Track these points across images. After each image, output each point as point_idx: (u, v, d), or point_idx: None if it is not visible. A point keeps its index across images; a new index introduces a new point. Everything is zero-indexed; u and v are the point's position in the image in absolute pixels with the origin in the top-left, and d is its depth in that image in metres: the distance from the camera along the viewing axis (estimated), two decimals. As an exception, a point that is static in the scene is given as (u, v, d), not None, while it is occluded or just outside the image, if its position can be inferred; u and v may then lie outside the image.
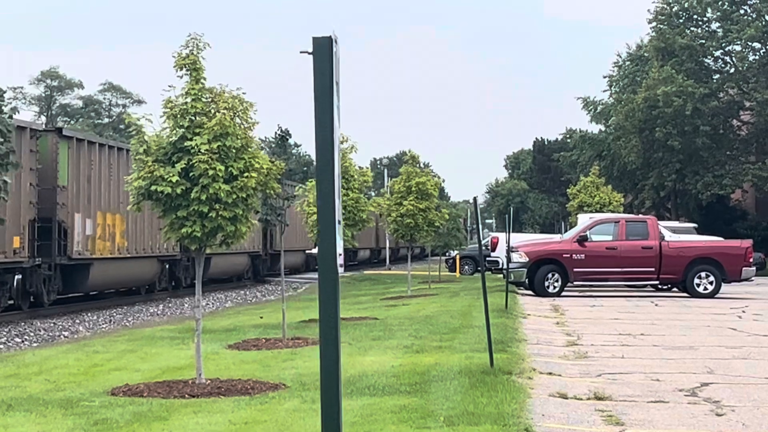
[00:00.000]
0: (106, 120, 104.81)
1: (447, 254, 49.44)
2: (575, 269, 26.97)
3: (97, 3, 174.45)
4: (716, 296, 26.67)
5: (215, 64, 11.23)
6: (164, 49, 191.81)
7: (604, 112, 64.74)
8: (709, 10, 54.74)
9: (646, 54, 61.50)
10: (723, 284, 27.25)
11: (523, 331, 16.73)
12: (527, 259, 27.15)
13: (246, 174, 10.87)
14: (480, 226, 13.67)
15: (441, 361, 12.36)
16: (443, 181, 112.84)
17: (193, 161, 10.64)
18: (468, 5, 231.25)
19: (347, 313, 20.92)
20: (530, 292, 27.41)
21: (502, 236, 39.90)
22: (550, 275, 26.99)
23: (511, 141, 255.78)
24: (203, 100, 10.91)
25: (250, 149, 11.03)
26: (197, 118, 10.82)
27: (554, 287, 26.90)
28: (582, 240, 27.29)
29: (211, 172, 10.61)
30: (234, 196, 10.79)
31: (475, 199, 13.76)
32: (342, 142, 19.07)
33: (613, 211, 38.90)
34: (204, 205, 10.69)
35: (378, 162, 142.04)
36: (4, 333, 22.80)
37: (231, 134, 10.78)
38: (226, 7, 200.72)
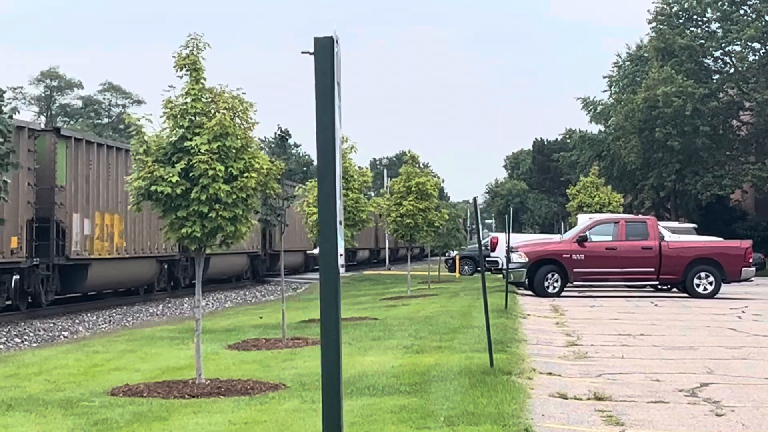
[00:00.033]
0: (106, 120, 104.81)
1: (446, 254, 49.43)
2: (575, 269, 26.97)
3: (97, 3, 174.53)
4: (716, 296, 26.67)
5: (215, 64, 11.25)
6: (164, 49, 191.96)
7: (604, 112, 64.73)
8: (709, 10, 54.74)
9: (645, 54, 61.49)
10: (723, 284, 27.25)
11: (522, 331, 16.73)
12: (527, 260, 27.15)
13: (246, 174, 10.87)
14: (480, 227, 13.67)
15: (441, 362, 12.36)
16: (443, 181, 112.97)
17: (193, 161, 10.64)
18: (468, 5, 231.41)
19: (347, 314, 20.92)
20: (530, 293, 27.41)
21: (501, 236, 39.90)
22: (549, 275, 26.99)
23: (510, 141, 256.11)
24: (203, 100, 10.91)
25: (250, 149, 11.03)
26: (197, 118, 10.82)
27: (554, 287, 26.90)
28: (582, 240, 27.29)
29: (211, 173, 10.61)
30: (234, 197, 10.79)
31: (475, 199, 13.76)
32: (342, 143, 19.07)
33: (612, 212, 38.92)
34: (204, 205, 10.69)
35: (378, 162, 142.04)
36: (4, 333, 22.80)
37: (231, 134, 10.78)
38: (226, 7, 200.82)
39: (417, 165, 30.55)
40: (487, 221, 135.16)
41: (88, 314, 28.31)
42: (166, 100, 10.95)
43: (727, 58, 56.11)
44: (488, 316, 12.41)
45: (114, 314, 28.57)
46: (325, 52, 4.18)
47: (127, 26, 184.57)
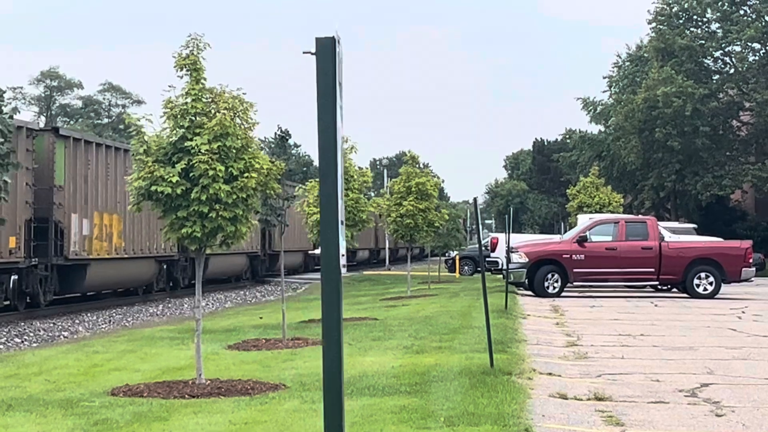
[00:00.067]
0: (106, 120, 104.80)
1: (446, 255, 49.43)
2: (575, 270, 26.97)
3: (97, 3, 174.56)
4: (716, 297, 26.67)
5: (215, 64, 11.24)
6: (164, 49, 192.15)
7: (604, 112, 64.72)
8: (709, 10, 54.74)
9: (645, 54, 61.49)
10: (723, 285, 27.26)
11: (522, 331, 16.73)
12: (527, 260, 27.15)
13: (246, 174, 10.86)
14: (480, 227, 13.67)
15: (441, 362, 12.36)
16: (443, 181, 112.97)
17: (194, 161, 10.64)
18: (468, 5, 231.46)
19: (347, 314, 20.92)
20: (530, 293, 27.41)
21: (501, 237, 39.89)
22: (549, 276, 26.99)
23: (510, 141, 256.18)
24: (203, 100, 10.90)
25: (250, 149, 11.03)
26: (197, 118, 10.81)
27: (554, 288, 26.90)
28: (582, 240, 27.29)
29: (211, 173, 10.61)
30: (234, 197, 10.78)
31: (475, 199, 13.76)
32: (342, 143, 19.06)
33: (612, 212, 38.91)
34: (204, 205, 10.68)
35: (378, 162, 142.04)
36: (4, 333, 22.79)
37: (231, 134, 10.78)
38: (226, 7, 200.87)
39: (417, 165, 30.55)
40: (487, 221, 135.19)
41: (88, 314, 28.30)
42: (167, 100, 10.95)
43: (727, 59, 56.12)
44: (488, 316, 12.41)
45: (114, 314, 28.56)
46: (326, 52, 4.18)
47: (127, 26, 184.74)
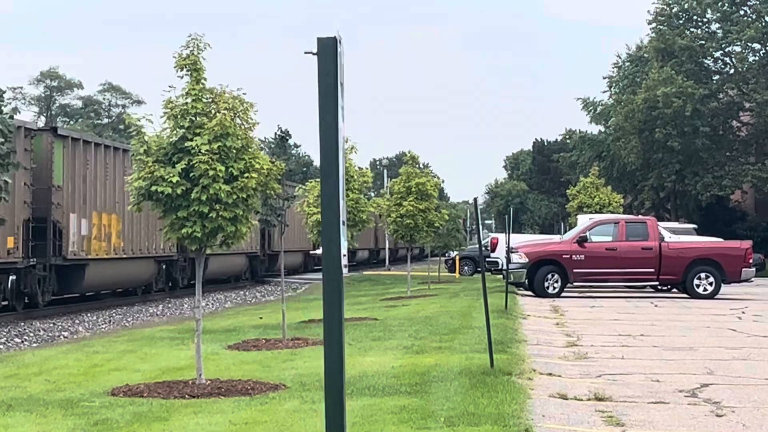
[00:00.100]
0: (106, 120, 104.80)
1: (446, 255, 49.44)
2: (575, 270, 26.98)
3: (97, 3, 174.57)
4: (716, 297, 26.68)
5: (215, 64, 11.25)
6: (164, 49, 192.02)
7: (604, 112, 64.72)
8: (709, 11, 54.73)
9: (645, 55, 61.48)
10: (723, 285, 27.26)
11: (522, 331, 16.73)
12: (527, 260, 27.15)
13: (246, 174, 10.87)
14: (480, 227, 13.67)
15: (441, 362, 12.36)
16: (443, 181, 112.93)
17: (194, 162, 10.64)
18: (468, 5, 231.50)
19: (347, 314, 20.89)
20: (530, 293, 27.41)
21: (501, 237, 39.89)
22: (549, 276, 26.99)
23: (510, 141, 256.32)
24: (204, 100, 10.91)
25: (250, 150, 11.03)
26: (198, 118, 10.82)
27: (554, 288, 26.90)
28: (582, 241, 27.29)
29: (211, 173, 10.61)
30: (234, 197, 10.79)
31: (475, 200, 13.77)
32: (342, 143, 19.06)
33: (612, 212, 38.92)
34: (204, 205, 10.69)
35: (378, 162, 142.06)
36: (4, 333, 22.79)
37: (231, 135, 10.78)
38: (226, 7, 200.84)
39: (417, 165, 30.56)
40: (487, 222, 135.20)
41: (88, 314, 28.29)
42: (167, 100, 10.95)
43: (727, 59, 56.11)
44: (488, 316, 12.41)
45: (114, 314, 28.56)
46: (328, 52, 4.18)
47: (127, 26, 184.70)
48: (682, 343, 15.49)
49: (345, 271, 4.29)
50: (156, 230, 32.22)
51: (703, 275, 26.99)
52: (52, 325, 25.10)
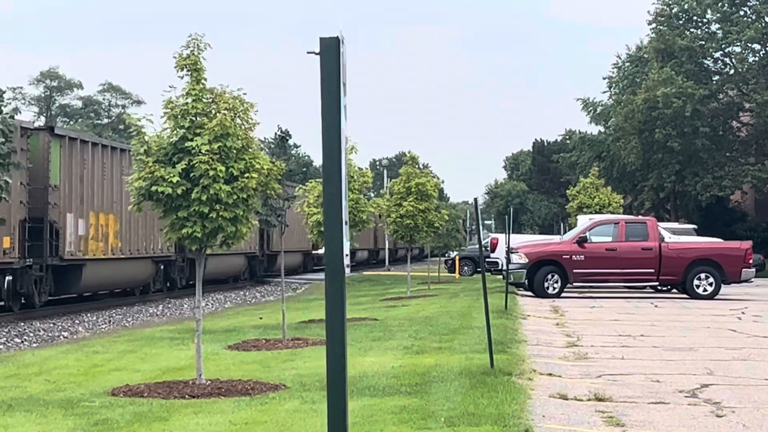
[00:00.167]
0: (106, 120, 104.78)
1: (446, 255, 49.42)
2: (575, 270, 26.97)
3: (97, 3, 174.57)
4: (716, 297, 26.68)
5: (216, 64, 11.25)
6: (164, 49, 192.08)
7: (604, 113, 64.69)
8: (709, 11, 54.74)
9: (645, 55, 61.47)
10: (722, 285, 27.26)
11: (522, 332, 16.73)
12: (527, 260, 27.15)
13: (246, 175, 10.87)
14: (480, 227, 13.67)
15: (441, 362, 12.36)
16: (443, 181, 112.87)
17: (194, 162, 10.64)
18: (469, 5, 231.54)
19: (347, 314, 20.88)
20: (530, 293, 27.41)
21: (501, 237, 39.88)
22: (549, 276, 26.99)
23: (510, 142, 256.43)
24: (204, 100, 10.91)
25: (250, 150, 11.03)
26: (198, 118, 10.81)
27: (554, 288, 26.90)
28: (581, 241, 27.29)
29: (211, 173, 10.61)
30: (234, 197, 10.78)
31: (475, 200, 13.77)
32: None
33: (612, 213, 38.91)
34: (204, 205, 10.69)
35: (377, 163, 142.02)
36: (4, 333, 22.78)
37: (232, 135, 10.78)
38: (226, 7, 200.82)
39: (417, 166, 30.58)
40: (486, 222, 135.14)
41: (88, 314, 28.27)
42: (167, 100, 10.95)
43: (727, 59, 56.12)
44: (488, 316, 12.41)
45: (114, 315, 28.54)
46: (330, 52, 4.18)
47: (127, 26, 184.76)
48: (682, 343, 15.49)
49: (347, 270, 4.30)
50: (154, 230, 32.22)
51: (703, 276, 26.99)
52: (52, 325, 25.09)
